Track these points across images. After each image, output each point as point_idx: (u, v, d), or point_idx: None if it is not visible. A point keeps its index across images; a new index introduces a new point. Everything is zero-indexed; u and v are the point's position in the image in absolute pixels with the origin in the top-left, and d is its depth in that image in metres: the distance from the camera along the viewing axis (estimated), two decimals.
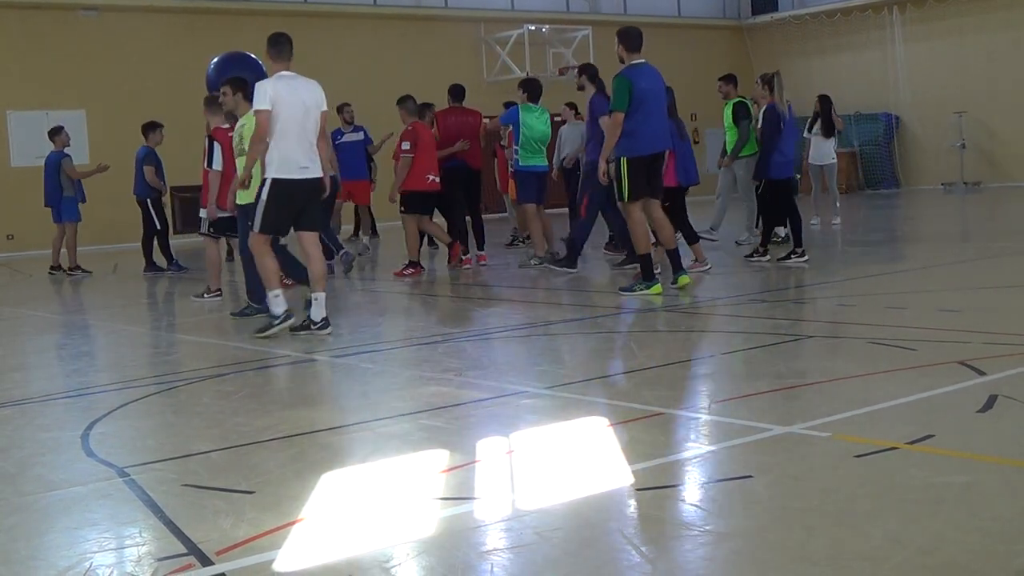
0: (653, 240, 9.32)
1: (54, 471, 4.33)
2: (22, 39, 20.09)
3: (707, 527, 3.23)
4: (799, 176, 21.97)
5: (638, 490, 3.62)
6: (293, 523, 3.44)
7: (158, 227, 13.67)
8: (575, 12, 26.05)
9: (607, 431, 4.43)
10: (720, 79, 13.25)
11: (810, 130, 15.09)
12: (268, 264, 7.55)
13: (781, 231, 12.99)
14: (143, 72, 20.44)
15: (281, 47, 7.52)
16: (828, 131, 14.89)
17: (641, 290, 8.87)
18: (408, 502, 3.64)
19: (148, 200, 13.64)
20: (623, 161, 8.81)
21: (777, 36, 28.01)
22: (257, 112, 7.30)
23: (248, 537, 3.33)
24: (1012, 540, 2.97)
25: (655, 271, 9.15)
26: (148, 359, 7.44)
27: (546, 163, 12.21)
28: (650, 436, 4.35)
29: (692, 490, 3.66)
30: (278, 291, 7.51)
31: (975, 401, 4.49)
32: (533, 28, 24.33)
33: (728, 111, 12.92)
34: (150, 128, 13.61)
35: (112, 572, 3.14)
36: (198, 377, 6.47)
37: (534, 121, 11.97)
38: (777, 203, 11.00)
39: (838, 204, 15.49)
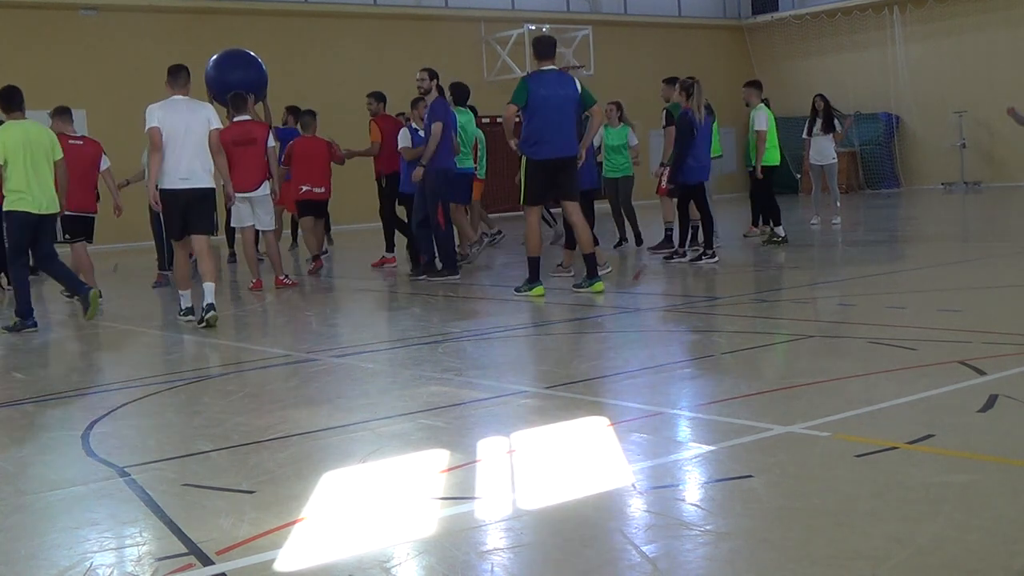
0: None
1: (54, 471, 4.33)
2: (22, 39, 20.06)
3: (707, 527, 3.23)
4: (799, 176, 22.10)
5: (638, 490, 3.62)
6: (293, 523, 3.44)
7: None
8: (575, 12, 26.02)
9: (607, 431, 4.43)
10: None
11: (809, 132, 15.05)
12: (181, 267, 8.67)
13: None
14: (143, 72, 20.39)
15: (176, 76, 8.57)
16: (828, 127, 14.87)
17: (525, 291, 9.15)
18: (408, 502, 3.64)
19: None
20: (523, 162, 9.06)
21: (777, 36, 28.01)
22: (148, 130, 8.36)
23: (248, 537, 3.33)
24: (1012, 540, 2.97)
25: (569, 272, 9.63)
26: (148, 359, 7.44)
27: (472, 165, 12.38)
28: (650, 436, 4.36)
29: (692, 490, 3.66)
30: (186, 292, 8.61)
31: (975, 401, 4.49)
32: (533, 28, 24.29)
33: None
34: None
35: (112, 572, 3.14)
36: (198, 377, 6.48)
37: (467, 123, 12.07)
38: (686, 206, 11.41)
39: (839, 204, 15.48)
